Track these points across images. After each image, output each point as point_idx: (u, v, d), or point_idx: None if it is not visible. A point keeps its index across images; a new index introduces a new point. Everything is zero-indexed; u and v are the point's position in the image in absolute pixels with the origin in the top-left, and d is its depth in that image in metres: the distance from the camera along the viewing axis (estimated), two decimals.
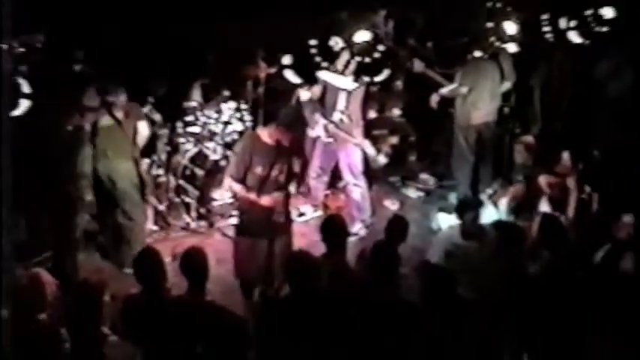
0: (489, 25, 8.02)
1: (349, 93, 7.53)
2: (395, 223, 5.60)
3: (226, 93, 8.01)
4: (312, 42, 7.50)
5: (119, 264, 6.66)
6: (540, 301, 4.84)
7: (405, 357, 4.39)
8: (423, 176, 8.88)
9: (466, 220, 5.87)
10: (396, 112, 9.04)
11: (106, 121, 6.53)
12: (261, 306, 5.27)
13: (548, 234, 5.31)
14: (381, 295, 4.59)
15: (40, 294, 4.29)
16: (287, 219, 6.11)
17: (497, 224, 5.92)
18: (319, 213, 7.92)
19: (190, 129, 7.73)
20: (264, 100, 8.24)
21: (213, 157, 7.63)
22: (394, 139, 8.94)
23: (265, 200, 5.81)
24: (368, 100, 7.99)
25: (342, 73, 7.48)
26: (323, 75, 7.31)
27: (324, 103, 7.76)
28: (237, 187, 5.86)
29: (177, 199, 7.59)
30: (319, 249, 5.12)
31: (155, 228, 7.40)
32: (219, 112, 7.82)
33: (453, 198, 8.27)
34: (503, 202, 7.70)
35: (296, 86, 7.84)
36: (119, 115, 6.51)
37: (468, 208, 6.02)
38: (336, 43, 7.54)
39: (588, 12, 8.12)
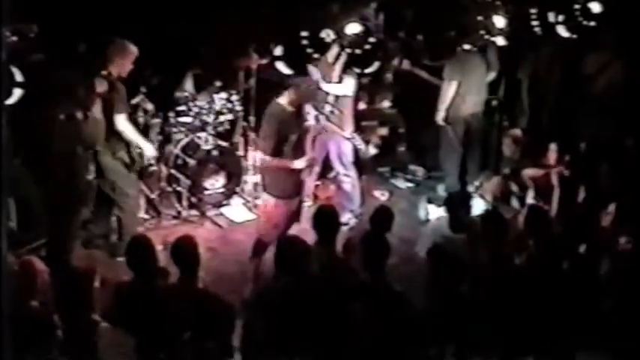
0: (479, 18, 8.08)
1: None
2: (379, 213, 5.66)
3: (218, 83, 8.05)
4: (304, 34, 7.56)
5: (111, 252, 6.72)
6: (525, 292, 4.92)
7: (393, 345, 4.46)
8: (412, 167, 8.96)
9: (455, 213, 5.95)
10: (386, 103, 9.10)
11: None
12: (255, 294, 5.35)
13: (534, 225, 5.40)
14: (371, 284, 4.66)
15: (32, 281, 4.34)
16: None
17: (482, 215, 5.99)
18: (309, 203, 7.98)
19: (182, 119, 7.77)
20: (255, 90, 8.27)
21: (205, 146, 7.68)
22: (384, 131, 8.99)
23: (298, 163, 6.08)
24: (359, 93, 8.07)
25: (334, 65, 7.54)
26: (325, 87, 7.42)
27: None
28: (274, 162, 6.06)
29: (168, 188, 7.64)
30: (310, 238, 5.17)
31: (146, 217, 7.46)
32: (211, 102, 7.86)
33: (441, 189, 8.37)
34: (489, 193, 7.80)
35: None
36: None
37: (457, 202, 6.09)
38: (328, 35, 7.60)
39: (576, 6, 8.19)
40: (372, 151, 8.71)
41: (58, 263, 5.36)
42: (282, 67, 7.87)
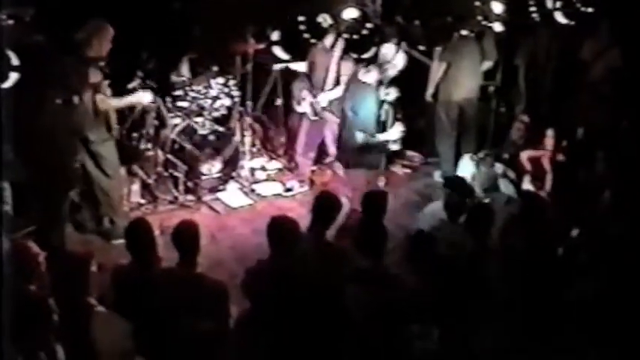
0: (476, 3, 8.06)
1: (338, 75, 7.62)
2: (371, 198, 5.67)
3: (215, 68, 8.03)
4: (301, 18, 7.55)
5: (105, 236, 6.72)
6: (519, 276, 4.95)
7: (390, 332, 4.47)
8: (409, 153, 8.96)
9: (451, 198, 5.95)
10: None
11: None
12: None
13: (529, 211, 5.43)
14: (368, 269, 4.68)
15: (28, 265, 4.34)
16: None
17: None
18: (305, 188, 8.00)
19: (179, 103, 7.76)
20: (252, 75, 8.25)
21: (202, 131, 7.67)
22: None
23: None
24: None
25: (331, 49, 7.54)
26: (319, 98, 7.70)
27: (311, 80, 7.82)
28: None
29: (165, 173, 7.64)
30: (306, 223, 5.18)
31: (143, 201, 7.46)
32: (207, 87, 7.84)
33: (437, 175, 8.38)
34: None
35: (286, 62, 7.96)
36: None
37: (453, 187, 6.10)
38: (325, 19, 7.59)
39: None
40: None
41: (50, 247, 5.35)
42: (278, 51, 7.85)
